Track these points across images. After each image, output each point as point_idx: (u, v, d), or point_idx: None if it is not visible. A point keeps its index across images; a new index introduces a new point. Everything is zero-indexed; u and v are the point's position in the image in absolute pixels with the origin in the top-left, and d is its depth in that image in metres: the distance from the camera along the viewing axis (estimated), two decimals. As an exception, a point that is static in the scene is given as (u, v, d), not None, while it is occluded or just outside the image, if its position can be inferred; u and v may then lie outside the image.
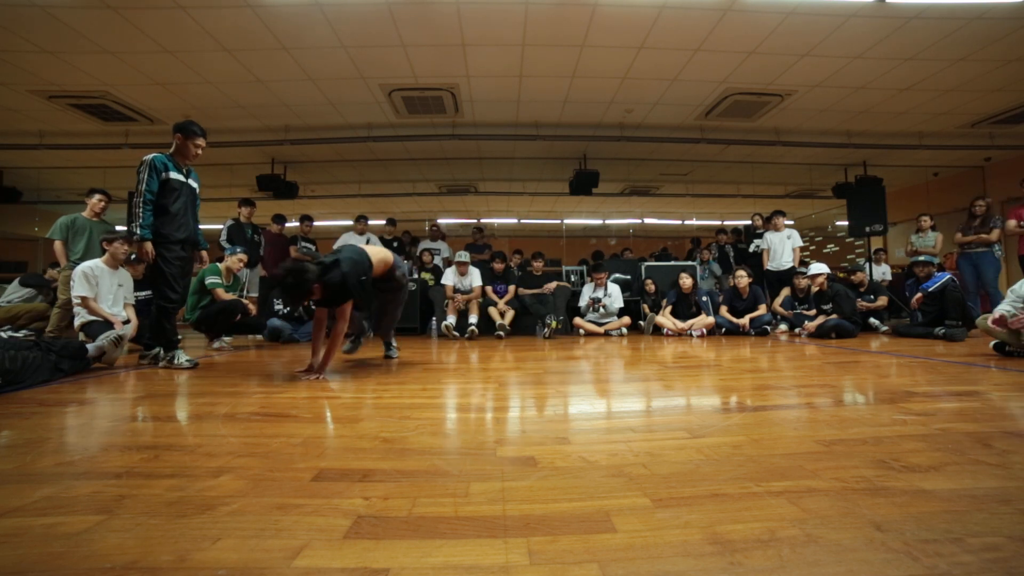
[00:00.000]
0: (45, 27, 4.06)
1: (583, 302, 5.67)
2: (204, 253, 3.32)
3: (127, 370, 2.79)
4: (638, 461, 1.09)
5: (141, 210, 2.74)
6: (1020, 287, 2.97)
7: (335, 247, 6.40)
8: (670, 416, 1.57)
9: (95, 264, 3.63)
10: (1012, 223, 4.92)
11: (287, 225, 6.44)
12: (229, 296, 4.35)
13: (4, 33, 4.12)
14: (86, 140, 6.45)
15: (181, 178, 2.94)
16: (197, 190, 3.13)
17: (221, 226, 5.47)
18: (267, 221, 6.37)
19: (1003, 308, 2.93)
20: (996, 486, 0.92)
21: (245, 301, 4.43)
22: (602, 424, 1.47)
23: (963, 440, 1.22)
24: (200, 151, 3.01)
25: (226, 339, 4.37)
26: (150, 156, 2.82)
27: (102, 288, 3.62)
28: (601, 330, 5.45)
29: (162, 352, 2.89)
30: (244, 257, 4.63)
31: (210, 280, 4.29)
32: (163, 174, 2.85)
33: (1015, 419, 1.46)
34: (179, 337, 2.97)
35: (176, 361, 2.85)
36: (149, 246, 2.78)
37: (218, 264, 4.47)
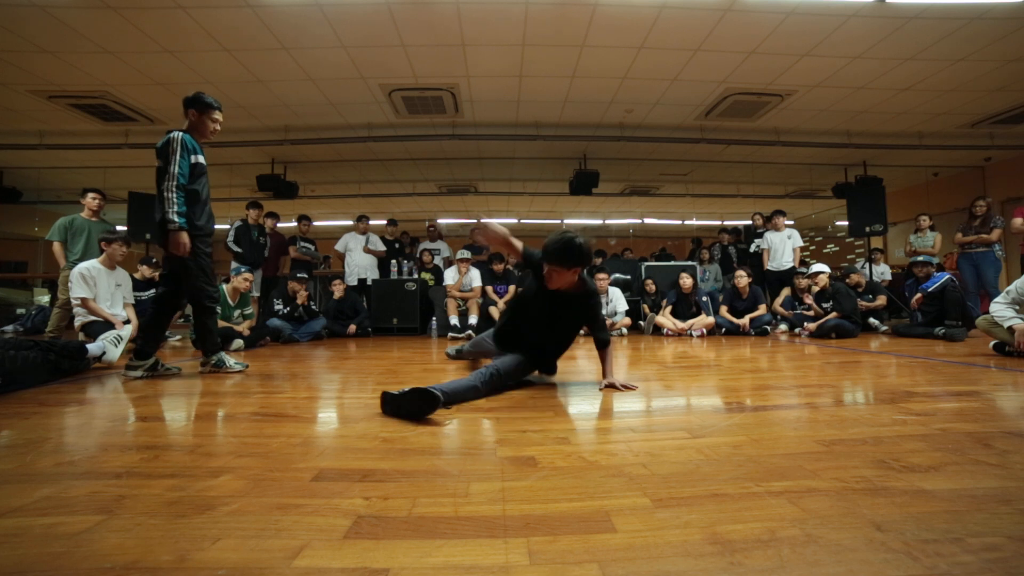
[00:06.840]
0: (45, 27, 4.06)
1: None
2: None
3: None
4: (638, 461, 1.09)
5: (174, 195, 2.32)
6: (1016, 288, 2.94)
7: (336, 247, 6.50)
8: (670, 416, 1.56)
9: (92, 264, 3.63)
10: (1018, 221, 4.86)
11: (283, 224, 6.41)
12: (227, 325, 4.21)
13: (4, 33, 4.12)
14: (86, 140, 6.45)
15: (203, 160, 2.56)
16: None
17: (226, 226, 5.52)
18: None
19: (1006, 313, 2.91)
20: (996, 486, 0.92)
21: (239, 329, 4.24)
22: (602, 424, 1.47)
23: (963, 440, 1.22)
24: (218, 126, 2.63)
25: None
26: (177, 134, 2.43)
27: (100, 288, 3.63)
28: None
29: (211, 358, 2.61)
30: (250, 276, 4.57)
31: None
32: (193, 156, 2.47)
33: (1015, 419, 1.46)
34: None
35: (226, 364, 2.61)
36: (185, 238, 2.39)
37: (223, 285, 4.41)
